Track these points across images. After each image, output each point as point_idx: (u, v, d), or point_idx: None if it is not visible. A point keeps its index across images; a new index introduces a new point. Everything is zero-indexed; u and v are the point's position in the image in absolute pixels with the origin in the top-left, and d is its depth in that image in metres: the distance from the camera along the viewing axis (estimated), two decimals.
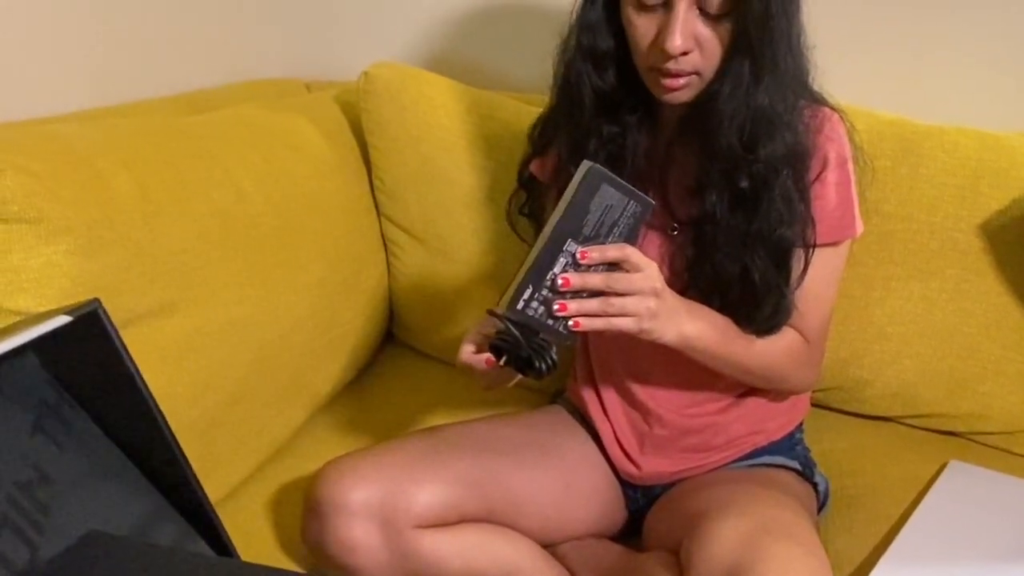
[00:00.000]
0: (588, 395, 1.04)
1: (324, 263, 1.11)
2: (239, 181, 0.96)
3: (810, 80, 0.92)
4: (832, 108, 0.93)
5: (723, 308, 0.90)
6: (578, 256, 0.77)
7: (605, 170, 0.76)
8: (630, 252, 0.78)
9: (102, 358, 0.64)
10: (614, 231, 0.78)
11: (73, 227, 0.75)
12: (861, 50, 1.24)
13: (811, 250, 0.90)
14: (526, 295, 0.76)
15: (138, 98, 1.17)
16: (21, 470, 0.62)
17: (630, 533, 1.04)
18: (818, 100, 0.93)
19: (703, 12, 0.81)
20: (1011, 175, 1.09)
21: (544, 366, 0.76)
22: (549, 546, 0.97)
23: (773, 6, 0.81)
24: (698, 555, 0.75)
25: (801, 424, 1.07)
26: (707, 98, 0.85)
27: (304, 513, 0.87)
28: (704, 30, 0.82)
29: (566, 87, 0.93)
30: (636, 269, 0.78)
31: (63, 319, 0.60)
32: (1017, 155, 1.11)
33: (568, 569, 0.94)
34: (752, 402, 1.00)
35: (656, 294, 0.80)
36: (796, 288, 0.91)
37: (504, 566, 0.89)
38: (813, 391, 1.14)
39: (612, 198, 0.77)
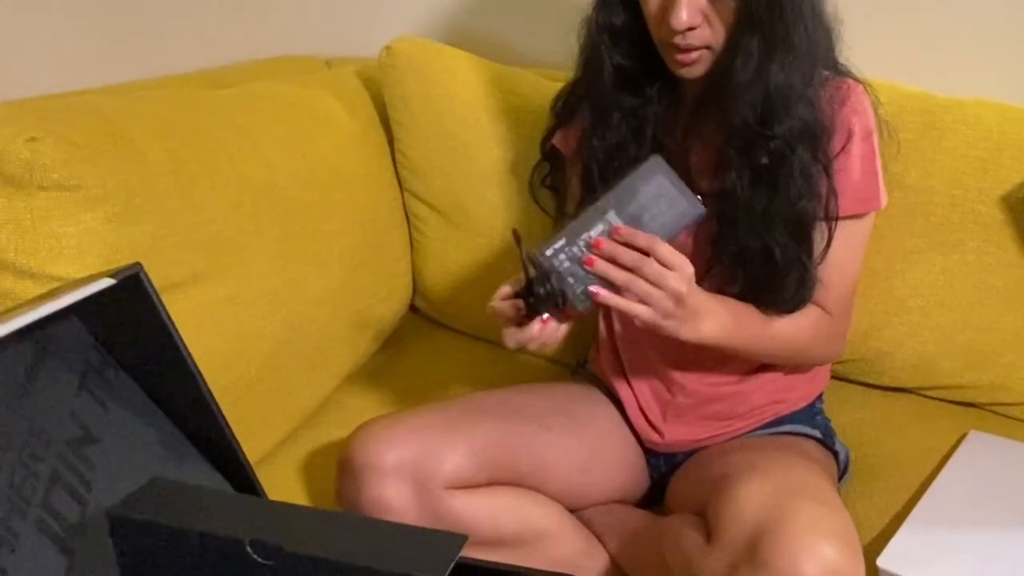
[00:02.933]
0: (610, 365, 1.06)
1: (349, 236, 1.12)
2: (268, 154, 0.98)
3: (836, 52, 0.92)
4: (857, 80, 0.93)
5: (747, 283, 0.91)
6: (611, 229, 0.78)
7: (667, 166, 0.78)
8: (660, 246, 0.78)
9: (143, 321, 0.66)
10: (656, 221, 0.79)
11: (111, 195, 0.76)
12: (884, 24, 1.24)
13: (834, 223, 0.90)
14: (558, 245, 0.78)
15: (161, 73, 1.18)
16: (69, 428, 0.64)
17: (652, 500, 1.06)
18: (842, 72, 0.93)
19: None
20: None
21: (573, 296, 0.78)
22: (574, 511, 0.98)
23: None
24: (725, 515, 0.77)
25: (821, 394, 1.08)
26: (721, 74, 0.85)
27: (338, 474, 0.88)
28: (710, 4, 0.82)
29: (588, 62, 0.95)
30: (666, 265, 0.79)
31: (107, 282, 0.62)
32: None
33: (593, 532, 0.96)
34: (773, 372, 1.02)
35: (678, 298, 0.80)
36: (820, 262, 0.91)
37: (532, 527, 0.91)
38: (834, 363, 1.15)
39: (665, 190, 0.79)
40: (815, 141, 0.86)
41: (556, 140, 1.06)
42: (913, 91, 1.15)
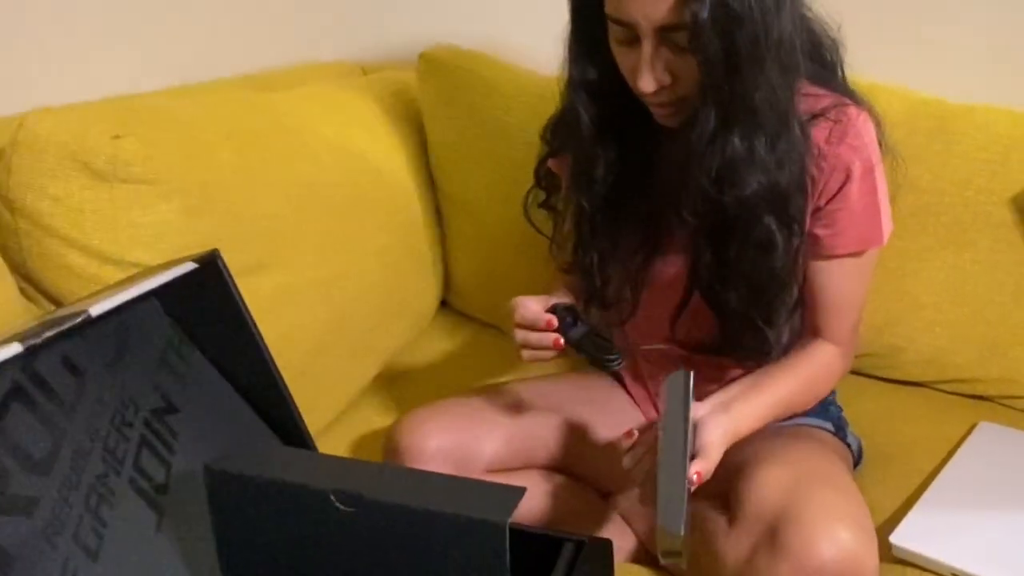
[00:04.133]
0: (630, 369, 1.10)
1: (387, 232, 1.19)
2: (318, 154, 1.04)
3: (837, 78, 0.91)
4: (859, 105, 0.89)
5: (715, 331, 0.92)
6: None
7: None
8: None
9: (218, 303, 0.72)
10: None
11: (184, 189, 0.83)
12: (898, 31, 1.29)
13: (833, 261, 0.90)
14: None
15: (212, 76, 1.25)
16: (153, 399, 0.70)
17: None
18: (845, 98, 0.89)
19: (674, 45, 0.78)
20: None
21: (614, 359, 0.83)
22: (604, 495, 1.04)
23: (740, 41, 0.75)
24: (747, 500, 0.82)
25: (834, 388, 1.13)
26: (681, 137, 0.83)
27: (384, 457, 0.95)
28: (678, 61, 0.79)
29: (566, 116, 0.93)
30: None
31: (189, 265, 0.68)
32: None
33: (620, 516, 1.02)
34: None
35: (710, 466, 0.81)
36: (794, 310, 0.91)
37: (563, 508, 0.97)
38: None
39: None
40: (782, 203, 0.83)
41: (552, 164, 1.06)
42: (926, 97, 1.20)
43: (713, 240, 0.86)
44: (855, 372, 1.27)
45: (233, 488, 0.58)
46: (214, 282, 0.71)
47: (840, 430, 1.07)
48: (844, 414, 1.11)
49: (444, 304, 1.44)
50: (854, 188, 0.87)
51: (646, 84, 0.79)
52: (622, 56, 0.83)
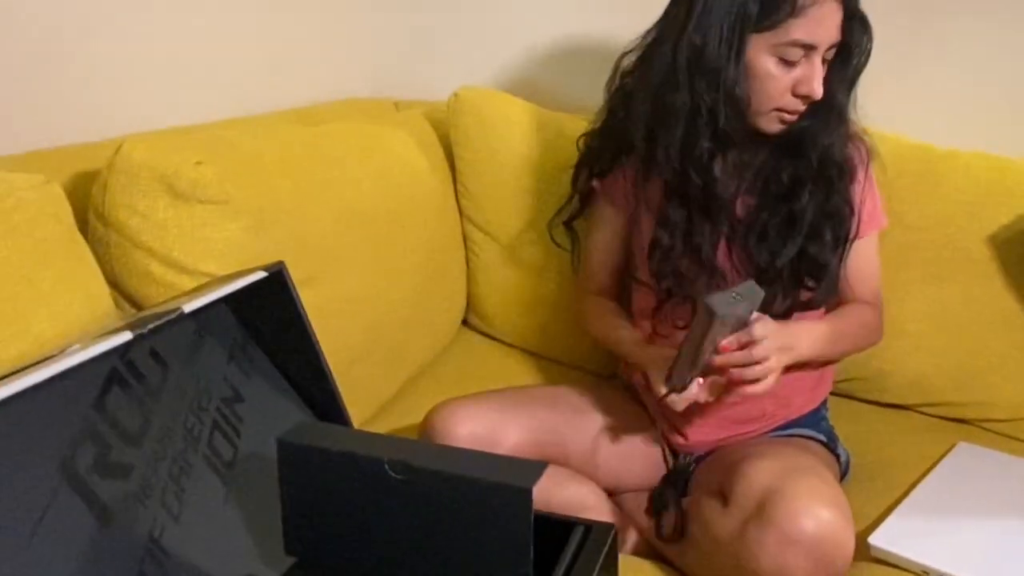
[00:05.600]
0: (640, 379, 1.21)
1: (419, 254, 1.30)
2: (359, 181, 1.16)
3: None
4: None
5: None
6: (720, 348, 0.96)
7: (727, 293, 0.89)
8: (753, 340, 0.96)
9: (280, 308, 0.83)
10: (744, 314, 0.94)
11: (249, 210, 0.94)
12: (888, 81, 1.40)
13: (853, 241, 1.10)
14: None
15: (264, 110, 1.37)
16: (223, 388, 0.81)
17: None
18: None
19: (823, 60, 0.99)
20: (1017, 194, 1.25)
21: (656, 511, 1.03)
22: (610, 494, 1.14)
23: (868, 43, 1.02)
24: (739, 484, 0.93)
25: (825, 401, 1.23)
26: (800, 124, 1.03)
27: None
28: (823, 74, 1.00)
29: (690, 131, 1.02)
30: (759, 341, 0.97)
31: (260, 274, 0.79)
32: (1022, 177, 1.26)
33: (625, 512, 1.12)
34: (781, 383, 1.17)
35: (778, 350, 0.98)
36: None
37: (573, 501, 1.06)
38: (838, 380, 1.30)
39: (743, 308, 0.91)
40: (843, 182, 1.07)
41: (605, 196, 1.20)
42: (914, 142, 1.31)
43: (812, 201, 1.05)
44: (845, 395, 1.37)
45: (301, 458, 0.68)
46: (279, 290, 0.82)
47: (831, 441, 1.17)
48: (835, 431, 1.21)
49: (465, 323, 1.54)
50: (870, 181, 1.12)
51: (820, 89, 0.98)
52: (781, 73, 0.99)
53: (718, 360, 0.96)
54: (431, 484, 0.65)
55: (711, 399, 1.01)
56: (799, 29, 0.96)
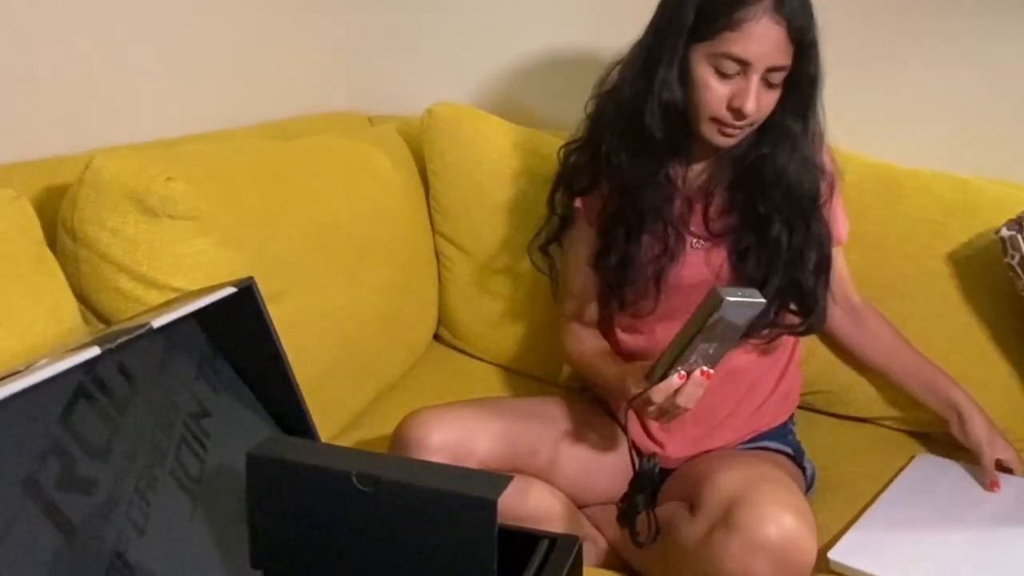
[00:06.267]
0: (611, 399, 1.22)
1: (390, 268, 1.31)
2: (331, 196, 1.17)
3: None
4: None
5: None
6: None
7: (735, 294, 0.86)
8: None
9: (249, 324, 0.84)
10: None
11: (219, 225, 0.95)
12: (851, 101, 1.43)
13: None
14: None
15: (236, 125, 1.38)
16: (190, 404, 0.82)
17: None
18: None
19: (767, 82, 1.01)
20: (976, 214, 1.28)
21: (628, 520, 1.00)
22: (580, 506, 1.15)
23: (816, 72, 1.03)
24: (707, 492, 0.95)
25: (792, 416, 1.26)
26: (759, 151, 1.06)
27: (391, 449, 1.05)
28: (765, 95, 1.01)
29: (637, 135, 1.06)
30: None
31: (229, 289, 0.80)
32: (982, 197, 1.30)
33: (594, 525, 1.13)
34: (748, 400, 1.19)
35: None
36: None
37: (542, 511, 1.08)
38: (804, 393, 1.33)
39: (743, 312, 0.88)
40: (816, 208, 1.09)
41: (584, 215, 1.20)
42: (876, 162, 1.34)
43: (757, 227, 1.08)
44: (811, 408, 1.39)
45: (269, 472, 0.69)
46: (248, 306, 0.83)
47: (798, 455, 1.20)
48: (801, 444, 1.24)
49: (437, 337, 1.55)
50: (836, 194, 1.15)
51: (751, 106, 0.99)
52: (718, 86, 1.00)
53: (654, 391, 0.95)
54: (398, 496, 0.66)
55: (691, 404, 0.96)
56: (733, 43, 0.98)
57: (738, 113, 1.00)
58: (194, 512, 0.77)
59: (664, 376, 0.93)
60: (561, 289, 1.27)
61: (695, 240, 1.12)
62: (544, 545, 0.80)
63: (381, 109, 1.71)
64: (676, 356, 0.91)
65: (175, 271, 0.92)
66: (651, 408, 0.95)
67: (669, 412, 0.95)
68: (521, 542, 0.80)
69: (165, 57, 1.26)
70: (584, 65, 1.56)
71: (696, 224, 1.12)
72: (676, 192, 1.10)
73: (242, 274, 0.94)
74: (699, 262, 1.12)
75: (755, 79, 0.99)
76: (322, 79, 1.65)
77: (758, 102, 1.00)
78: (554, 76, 1.61)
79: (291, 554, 0.72)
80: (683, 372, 0.92)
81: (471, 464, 1.04)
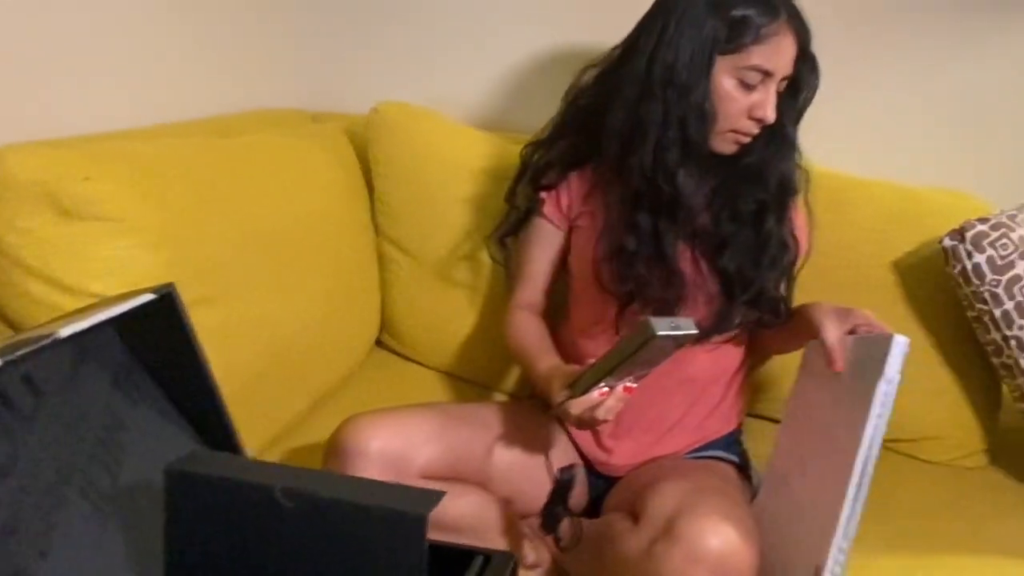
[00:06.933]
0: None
1: (328, 274, 1.27)
2: (265, 198, 1.13)
3: None
4: None
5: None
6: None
7: (663, 325, 0.86)
8: None
9: (170, 332, 0.80)
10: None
11: (144, 227, 0.90)
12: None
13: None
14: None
15: (168, 120, 1.32)
16: (104, 417, 0.77)
17: (589, 515, 1.20)
18: None
19: (776, 90, 1.06)
20: (921, 222, 1.28)
21: (550, 527, 1.00)
22: (523, 516, 1.12)
23: (818, 81, 1.09)
24: (650, 503, 0.94)
25: (741, 427, 1.25)
26: (757, 152, 1.09)
27: (326, 457, 1.01)
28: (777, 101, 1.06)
29: (658, 138, 1.06)
30: None
31: (148, 296, 0.76)
32: (927, 205, 1.31)
33: (537, 535, 1.10)
34: (697, 407, 1.18)
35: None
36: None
37: (485, 521, 1.05)
38: (753, 402, 1.32)
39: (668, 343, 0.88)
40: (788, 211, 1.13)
41: (549, 211, 1.21)
42: (823, 170, 1.33)
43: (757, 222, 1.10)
44: (760, 415, 1.39)
45: (189, 487, 0.65)
46: (168, 313, 0.78)
47: (744, 464, 1.19)
48: (749, 454, 1.23)
49: (379, 343, 1.51)
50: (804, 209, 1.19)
51: (773, 115, 1.05)
52: (740, 96, 1.04)
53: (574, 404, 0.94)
54: (323, 512, 0.64)
55: (611, 416, 0.96)
56: (760, 55, 1.02)
57: (760, 122, 1.06)
58: (104, 532, 0.72)
59: (586, 391, 0.93)
60: (515, 278, 1.27)
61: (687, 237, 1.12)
62: (479, 562, 0.78)
63: (328, 106, 1.67)
64: (602, 375, 0.91)
65: (92, 275, 0.87)
66: (570, 418, 0.95)
67: (587, 423, 0.95)
68: (455, 558, 0.78)
69: (92, 48, 1.19)
70: (536, 67, 1.55)
71: (688, 221, 1.11)
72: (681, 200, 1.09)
73: (167, 278, 0.90)
74: (688, 258, 1.11)
75: (773, 88, 1.05)
76: (265, 74, 1.59)
77: (775, 110, 1.05)
78: (506, 77, 1.58)
79: (210, 573, 0.69)
80: (606, 389, 0.93)
81: (411, 472, 1.01)
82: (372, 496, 0.66)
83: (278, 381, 1.15)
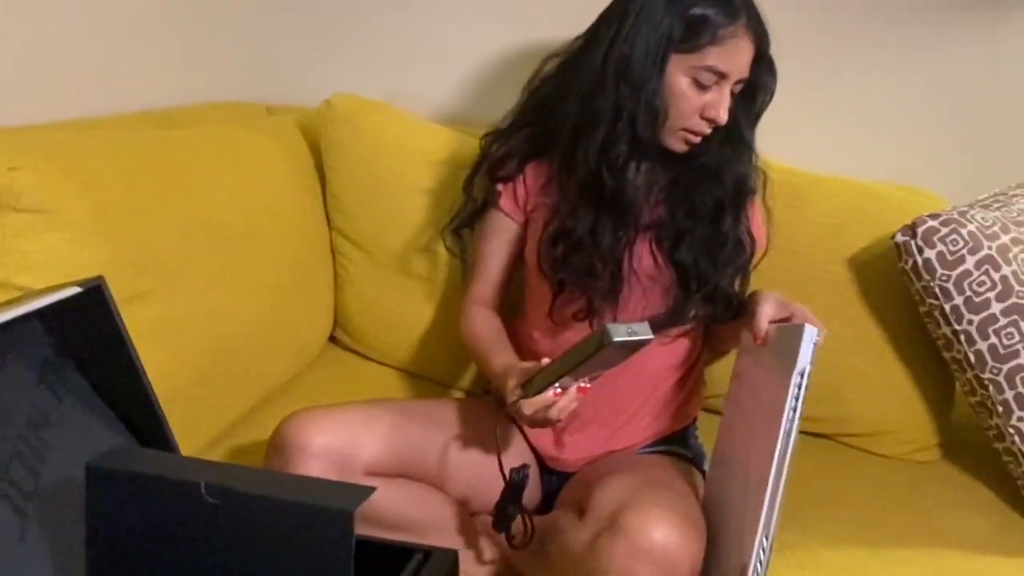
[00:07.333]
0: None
1: (279, 268, 1.24)
2: (211, 191, 1.10)
3: None
4: None
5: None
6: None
7: (620, 332, 0.86)
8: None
9: (100, 327, 0.77)
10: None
11: (75, 220, 0.88)
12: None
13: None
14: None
15: (116, 112, 1.29)
16: (28, 414, 0.74)
17: (543, 512, 1.19)
18: None
19: (731, 92, 1.05)
20: (877, 218, 1.29)
21: (502, 526, 0.99)
22: (473, 513, 1.11)
23: (775, 84, 1.09)
24: (596, 497, 0.93)
25: (695, 421, 1.24)
26: (712, 152, 1.09)
27: (268, 453, 0.99)
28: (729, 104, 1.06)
29: (607, 130, 1.05)
30: None
31: (74, 289, 0.73)
32: (883, 202, 1.31)
33: (487, 533, 1.09)
34: (652, 401, 1.17)
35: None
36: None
37: (432, 519, 1.04)
38: (708, 397, 1.32)
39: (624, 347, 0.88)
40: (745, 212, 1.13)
41: (505, 204, 1.19)
42: (783, 166, 1.34)
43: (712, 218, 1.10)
44: (715, 411, 1.39)
45: (111, 484, 0.63)
46: (97, 307, 0.76)
47: (698, 458, 1.18)
48: (705, 450, 1.22)
49: (332, 339, 1.49)
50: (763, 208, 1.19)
51: (725, 116, 1.04)
52: (694, 95, 1.04)
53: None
54: (250, 509, 0.63)
55: (563, 416, 0.95)
56: (715, 56, 1.02)
57: (712, 122, 1.05)
58: (25, 531, 0.70)
59: (540, 391, 0.92)
60: (471, 272, 1.26)
61: (643, 230, 1.11)
62: (417, 559, 0.77)
63: (286, 99, 1.63)
64: (556, 377, 0.91)
65: (20, 268, 0.85)
66: (523, 417, 0.94)
67: (540, 423, 0.94)
68: (395, 555, 0.77)
69: (32, 37, 1.15)
70: (498, 62, 1.53)
71: (645, 215, 1.11)
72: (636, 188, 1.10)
73: (102, 272, 0.87)
74: (645, 251, 1.10)
75: (727, 90, 1.04)
76: (219, 67, 1.56)
77: (728, 112, 1.05)
78: (467, 71, 1.57)
79: (134, 571, 0.67)
80: (560, 390, 0.92)
81: (356, 470, 0.99)
82: (300, 492, 0.65)
83: (223, 377, 1.12)
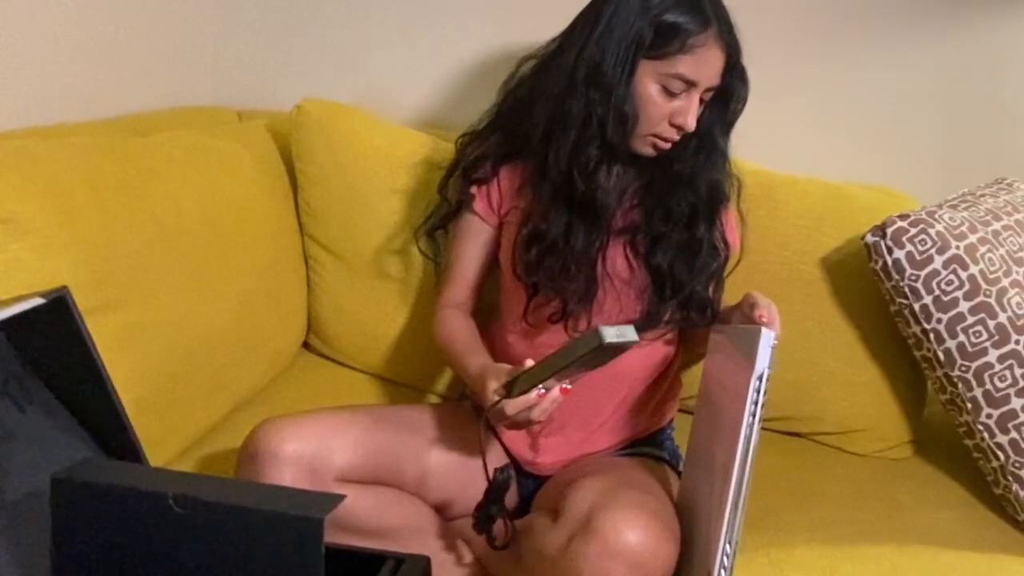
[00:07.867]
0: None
1: (250, 275, 1.23)
2: (180, 198, 1.09)
3: None
4: None
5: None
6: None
7: (610, 334, 0.86)
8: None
9: (65, 338, 0.76)
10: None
11: (38, 229, 0.86)
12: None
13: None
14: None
15: (85, 118, 1.27)
16: None
17: (519, 516, 1.19)
18: None
19: (700, 100, 1.06)
20: (849, 219, 1.30)
21: (484, 528, 0.99)
22: (449, 519, 1.11)
23: (747, 93, 1.09)
24: (570, 500, 0.93)
25: (671, 423, 1.25)
26: (686, 158, 1.10)
27: (240, 461, 0.98)
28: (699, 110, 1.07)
29: (578, 134, 1.06)
30: None
31: (37, 300, 0.72)
32: (854, 202, 1.32)
33: (462, 539, 1.09)
34: (626, 404, 1.17)
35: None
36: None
37: (407, 525, 1.03)
38: (684, 398, 1.32)
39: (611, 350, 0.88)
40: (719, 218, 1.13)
41: (479, 206, 1.19)
42: (754, 168, 1.35)
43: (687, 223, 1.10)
44: (689, 412, 1.39)
45: (77, 496, 0.63)
46: (62, 318, 0.75)
47: (674, 459, 1.19)
48: (680, 451, 1.23)
49: (306, 345, 1.48)
50: (737, 214, 1.20)
51: (693, 123, 1.05)
52: (663, 102, 1.04)
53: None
54: (218, 518, 0.62)
55: (544, 417, 0.95)
56: (685, 65, 1.02)
57: (679, 129, 1.06)
58: None
59: (524, 392, 0.92)
60: (444, 275, 1.25)
61: (616, 234, 1.12)
62: (389, 565, 0.76)
63: (253, 103, 1.62)
64: (543, 378, 0.91)
65: None
66: (504, 419, 0.93)
67: (521, 424, 0.94)
68: (367, 563, 0.76)
69: None
70: (471, 66, 1.53)
71: (618, 218, 1.11)
72: (598, 193, 1.10)
73: (66, 282, 0.86)
74: (620, 254, 1.11)
75: (696, 98, 1.04)
76: (190, 72, 1.55)
77: (696, 119, 1.05)
78: (441, 76, 1.56)
79: None
80: (543, 391, 0.92)
81: (328, 477, 0.98)
82: (269, 501, 0.64)
83: (195, 385, 1.11)
